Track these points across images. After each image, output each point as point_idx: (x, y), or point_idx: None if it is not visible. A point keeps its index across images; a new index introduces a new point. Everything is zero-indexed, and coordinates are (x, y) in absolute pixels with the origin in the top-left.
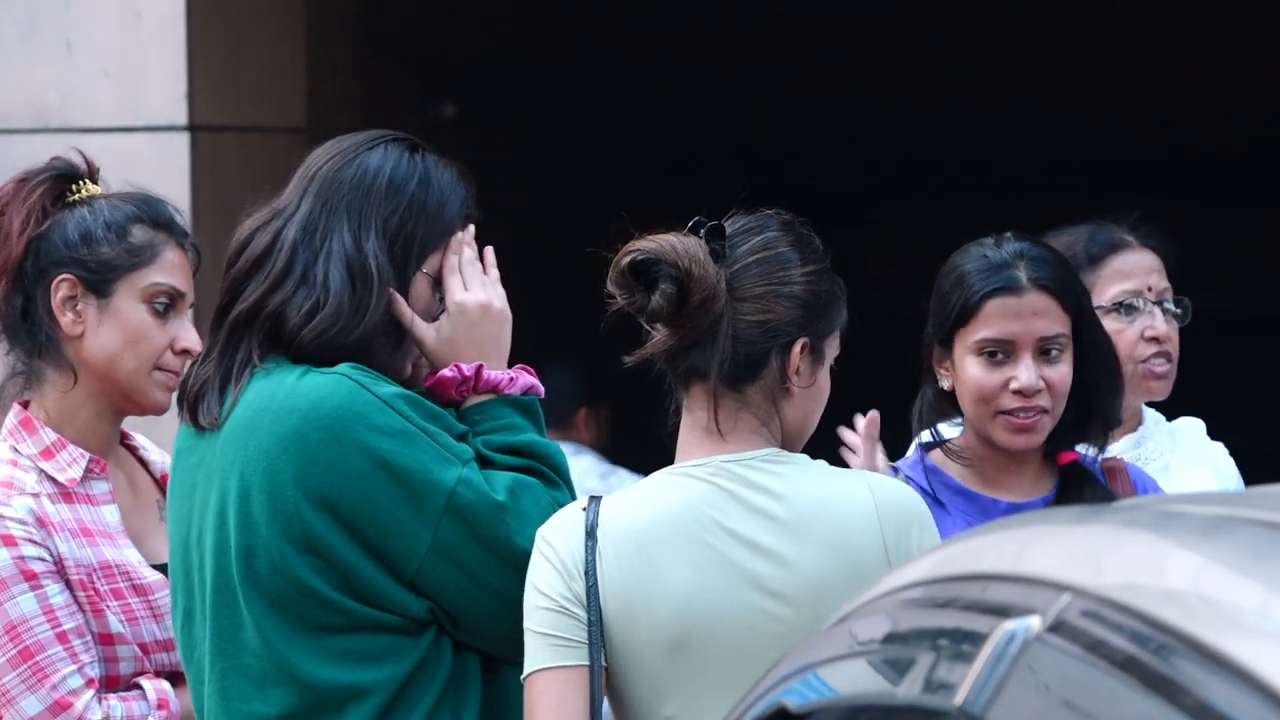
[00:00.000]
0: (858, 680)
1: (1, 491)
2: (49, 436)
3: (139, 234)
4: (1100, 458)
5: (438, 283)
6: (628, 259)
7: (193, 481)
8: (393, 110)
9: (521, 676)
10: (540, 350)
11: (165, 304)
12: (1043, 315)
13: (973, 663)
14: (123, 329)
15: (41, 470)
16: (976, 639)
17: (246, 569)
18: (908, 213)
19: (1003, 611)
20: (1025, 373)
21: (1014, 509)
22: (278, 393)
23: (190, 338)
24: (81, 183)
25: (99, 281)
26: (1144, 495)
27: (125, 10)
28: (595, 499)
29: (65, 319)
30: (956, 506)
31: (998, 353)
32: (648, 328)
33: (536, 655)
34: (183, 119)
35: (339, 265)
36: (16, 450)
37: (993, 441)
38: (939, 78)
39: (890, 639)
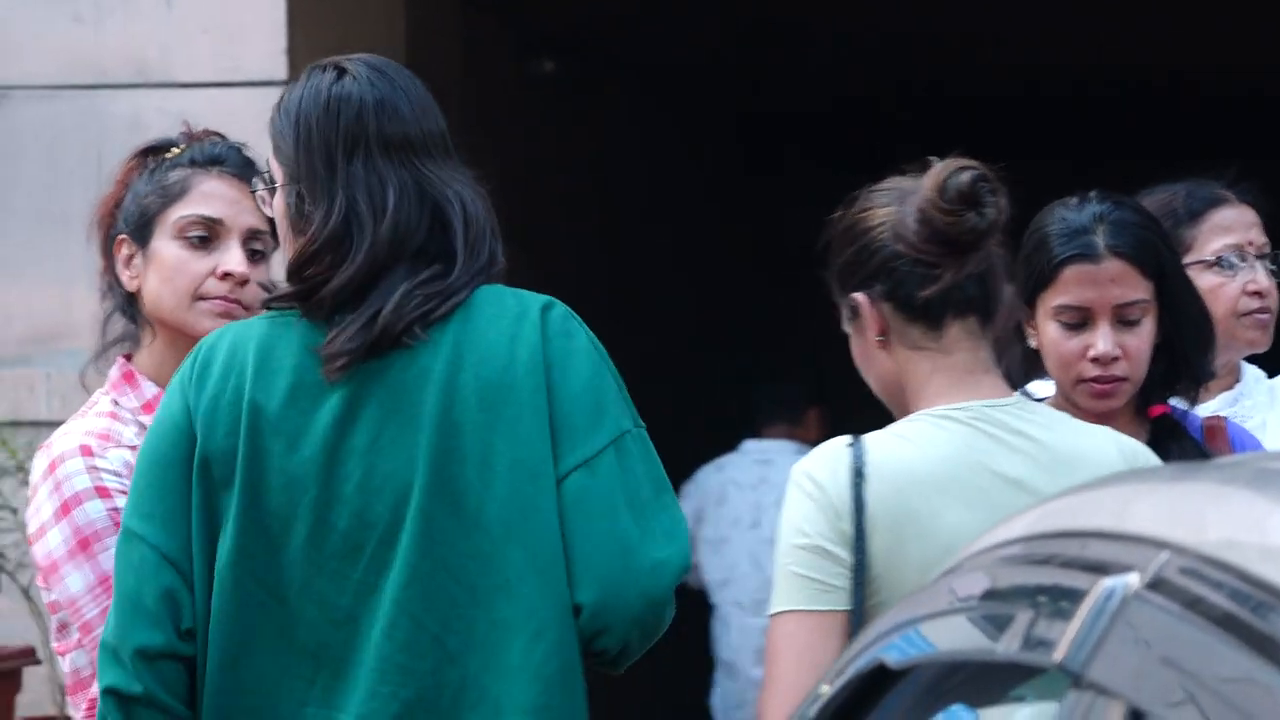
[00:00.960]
0: (956, 637)
1: (98, 444)
2: (150, 390)
3: (174, 175)
4: (1203, 417)
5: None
6: (969, 175)
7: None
8: (489, 68)
9: (771, 611)
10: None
11: (201, 235)
12: (1120, 282)
13: (1072, 619)
14: (159, 268)
15: (141, 424)
16: (1076, 596)
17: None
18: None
19: (1102, 569)
20: (1102, 341)
21: None
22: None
23: (229, 260)
24: (173, 149)
25: (141, 230)
26: (1243, 452)
27: None
28: (857, 438)
29: (125, 276)
30: None
31: (1076, 319)
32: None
33: (791, 596)
34: (282, 74)
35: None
36: (117, 404)
37: (1076, 404)
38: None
39: (989, 596)
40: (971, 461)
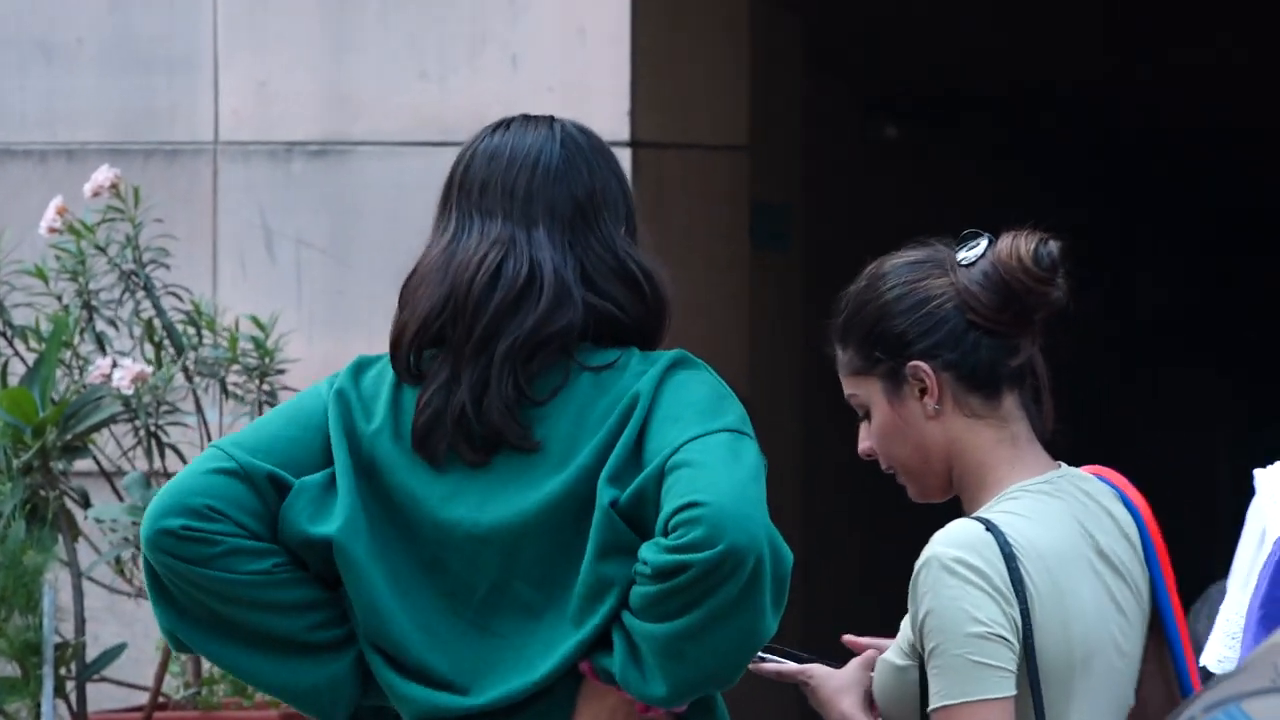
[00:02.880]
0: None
1: None
2: None
3: None
4: None
5: None
6: (1056, 246)
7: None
8: (831, 130)
9: (949, 701)
10: None
11: None
12: None
13: None
14: None
15: None
16: None
17: None
18: None
19: None
20: None
21: None
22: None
23: None
24: None
25: None
26: None
27: (570, 27)
28: (983, 519)
29: None
30: None
31: None
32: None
33: (982, 685)
34: (625, 135)
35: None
36: None
37: None
38: None
39: None
40: (1079, 534)
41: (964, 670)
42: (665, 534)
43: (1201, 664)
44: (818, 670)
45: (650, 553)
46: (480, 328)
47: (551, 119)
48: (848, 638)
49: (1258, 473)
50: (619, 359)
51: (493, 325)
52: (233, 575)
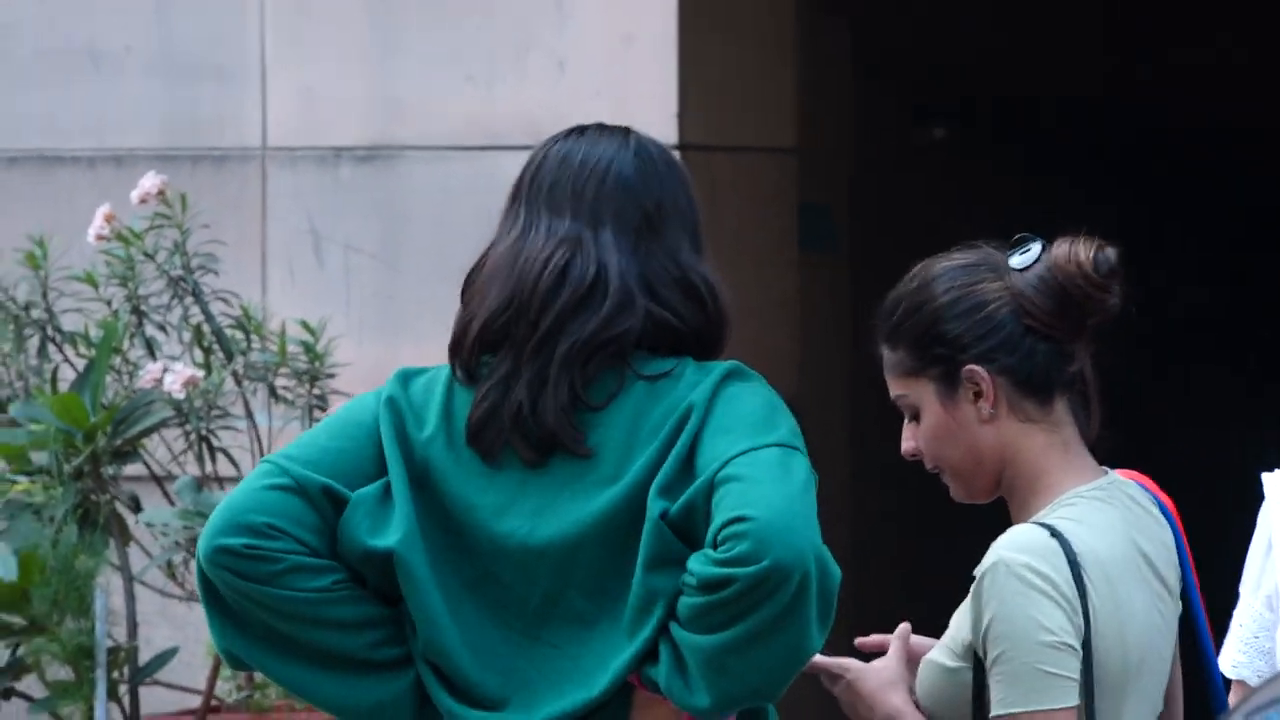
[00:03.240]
0: None
1: None
2: None
3: None
4: None
5: None
6: (1114, 252)
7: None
8: (878, 133)
9: (1017, 709)
10: None
11: None
12: None
13: None
14: None
15: None
16: None
17: None
18: None
19: None
20: None
21: None
22: None
23: None
24: None
25: None
26: None
27: (617, 32)
28: (1048, 526)
29: None
30: None
31: None
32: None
33: (1053, 695)
34: (673, 138)
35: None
36: None
37: None
38: None
39: None
40: (1130, 541)
41: (1033, 679)
42: (714, 547)
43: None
44: (855, 664)
45: (697, 564)
46: (545, 326)
47: (627, 130)
48: (859, 640)
49: (1266, 477)
50: (674, 368)
51: (557, 324)
52: (294, 593)
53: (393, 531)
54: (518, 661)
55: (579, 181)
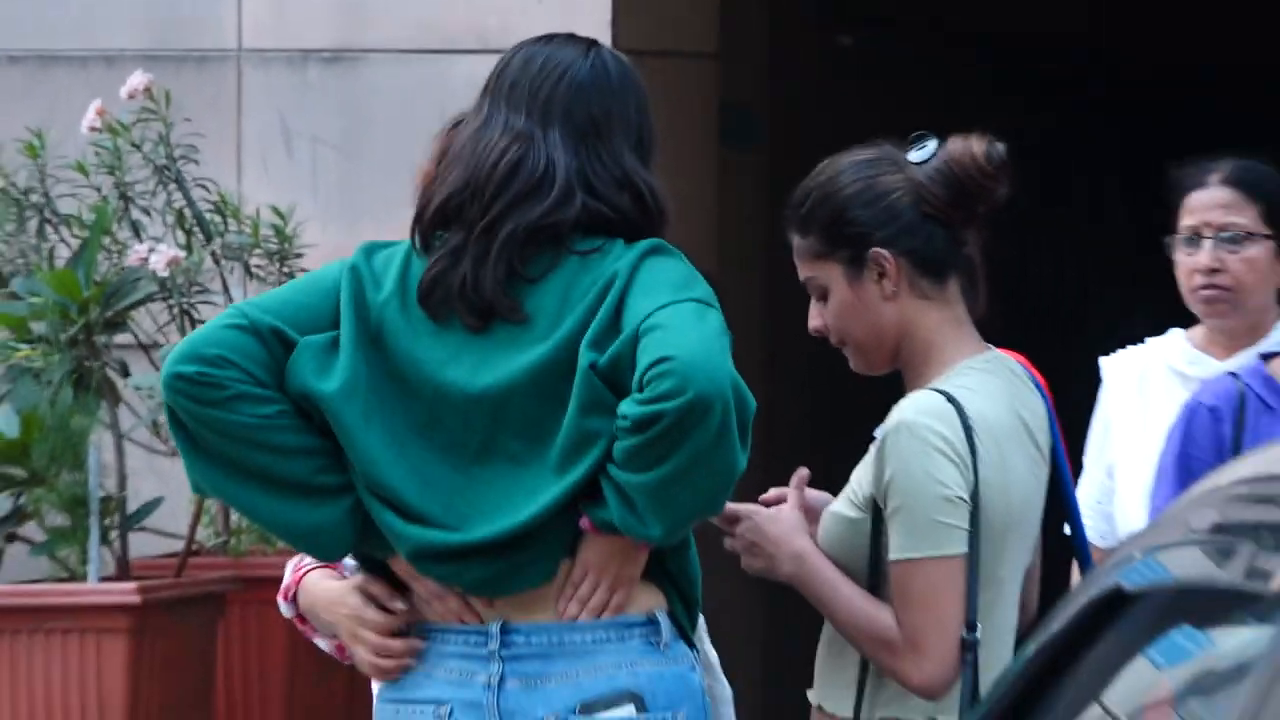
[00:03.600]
0: (1187, 565)
1: None
2: None
3: None
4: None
5: None
6: (1003, 146)
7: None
8: (793, 37)
9: (913, 554)
10: None
11: None
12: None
13: None
14: None
15: None
16: None
17: None
18: None
19: None
20: (1203, 256)
21: None
22: None
23: None
24: None
25: None
26: None
27: None
28: (944, 392)
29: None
30: None
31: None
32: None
33: (942, 542)
34: (607, 43)
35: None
36: None
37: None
38: None
39: (1217, 529)
40: (1012, 409)
41: (928, 528)
42: (640, 389)
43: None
44: (758, 509)
45: (628, 407)
46: (495, 211)
47: (593, 42)
48: (763, 496)
49: (1103, 361)
50: (604, 245)
51: (505, 210)
52: (239, 417)
53: (334, 379)
54: (457, 495)
55: (535, 83)
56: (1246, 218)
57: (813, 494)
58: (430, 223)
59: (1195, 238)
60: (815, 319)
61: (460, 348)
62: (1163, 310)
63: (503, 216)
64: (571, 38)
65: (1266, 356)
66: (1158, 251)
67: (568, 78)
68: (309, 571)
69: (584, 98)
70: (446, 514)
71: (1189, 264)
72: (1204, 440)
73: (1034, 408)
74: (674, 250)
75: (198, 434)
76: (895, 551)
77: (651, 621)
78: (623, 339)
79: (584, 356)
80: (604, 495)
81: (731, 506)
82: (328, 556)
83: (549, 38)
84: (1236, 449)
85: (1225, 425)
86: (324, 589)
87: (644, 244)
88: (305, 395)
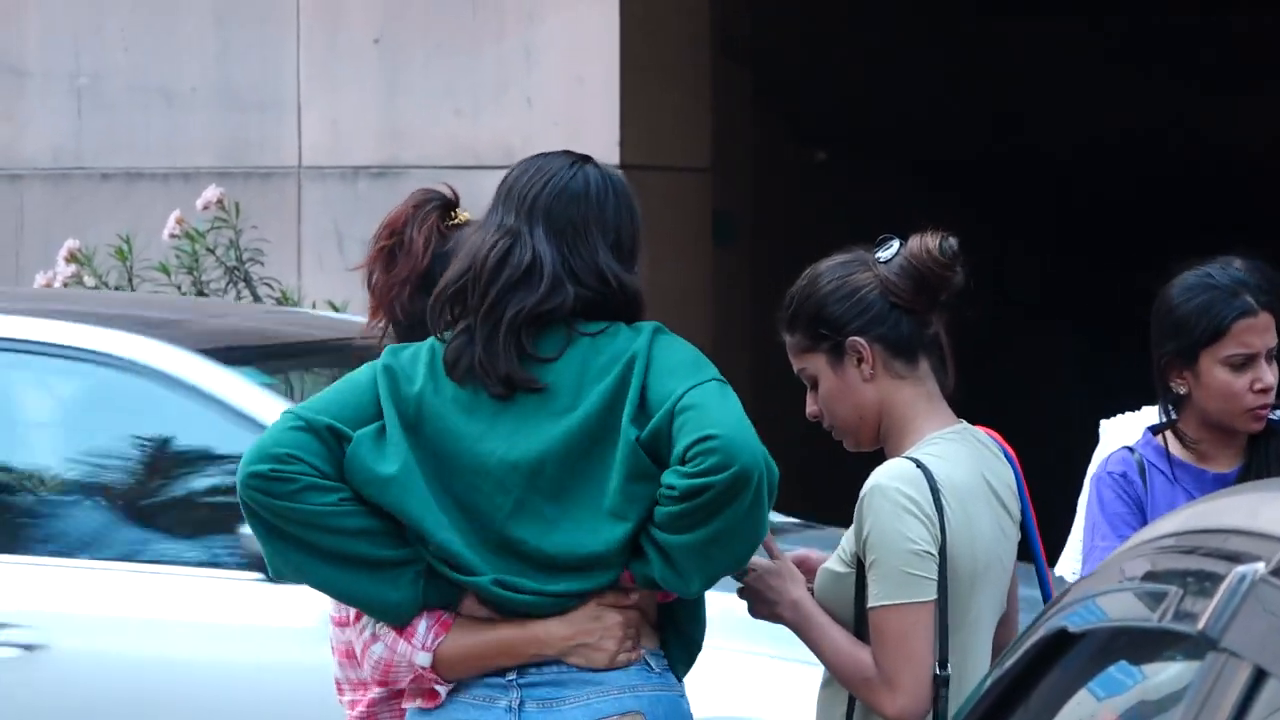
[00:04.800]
0: (1123, 608)
1: None
2: None
3: None
4: None
5: None
6: (955, 241)
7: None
8: (775, 154)
9: (887, 602)
10: None
11: None
12: (1269, 330)
13: (1212, 597)
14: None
15: None
16: (1215, 579)
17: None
18: None
19: (1236, 558)
20: (1268, 375)
21: (1219, 478)
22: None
23: None
24: (456, 210)
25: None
26: None
27: (572, 75)
28: (913, 459)
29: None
30: (1178, 477)
31: (1242, 361)
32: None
33: (912, 591)
34: (615, 159)
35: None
36: None
37: (1233, 429)
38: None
39: (1149, 577)
40: (979, 473)
41: (899, 578)
42: (683, 463)
43: (1057, 573)
44: (764, 562)
45: (674, 478)
46: (491, 296)
47: (585, 158)
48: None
49: (1104, 423)
50: (609, 328)
51: (500, 296)
52: (309, 506)
53: (391, 462)
54: (498, 552)
55: (525, 188)
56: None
57: (815, 553)
58: (439, 308)
59: (1250, 359)
60: (811, 406)
61: (493, 421)
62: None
63: (500, 301)
64: (566, 153)
65: (1155, 430)
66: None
67: (552, 184)
68: (456, 618)
69: (564, 200)
70: (496, 570)
71: (1241, 384)
72: (1123, 498)
73: (1000, 474)
74: (673, 333)
75: (274, 525)
76: (872, 600)
77: (647, 658)
78: (659, 416)
79: (628, 431)
80: (645, 553)
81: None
82: (400, 622)
83: (547, 153)
84: (1143, 511)
85: (1136, 488)
86: (528, 632)
87: (650, 325)
88: (370, 480)
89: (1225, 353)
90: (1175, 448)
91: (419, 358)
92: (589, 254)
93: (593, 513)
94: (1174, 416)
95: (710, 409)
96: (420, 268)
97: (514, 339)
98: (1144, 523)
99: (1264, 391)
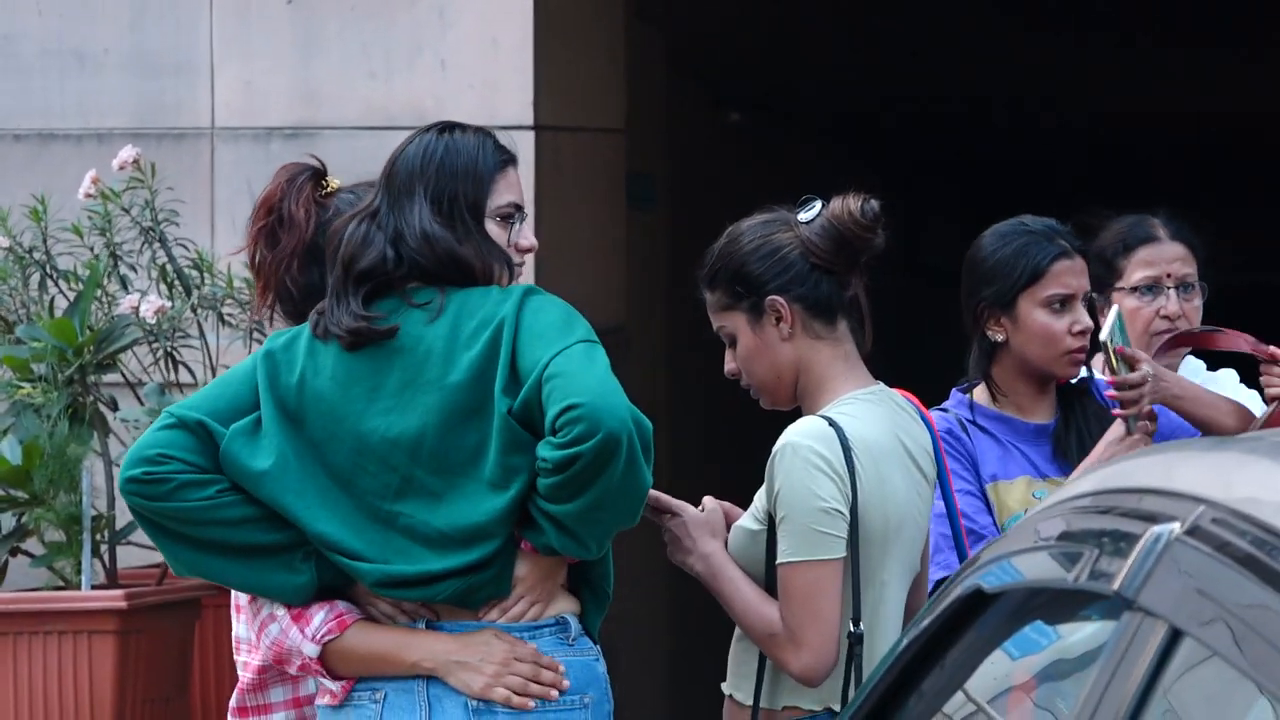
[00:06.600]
0: (1038, 568)
1: None
2: None
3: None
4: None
5: (504, 219)
6: (876, 203)
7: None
8: (688, 116)
9: (794, 558)
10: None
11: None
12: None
13: (1127, 557)
14: None
15: None
16: (1131, 539)
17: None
18: None
19: (1151, 518)
20: (1085, 317)
21: (1040, 428)
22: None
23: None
24: (326, 179)
25: None
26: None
27: (486, 37)
28: (826, 417)
29: None
30: (995, 429)
31: (1061, 304)
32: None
33: (819, 548)
34: (529, 120)
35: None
36: None
37: (1051, 374)
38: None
39: (1065, 537)
40: (894, 433)
41: (808, 535)
42: (554, 433)
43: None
44: (688, 509)
45: (546, 450)
46: (338, 266)
47: (446, 127)
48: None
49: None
50: (474, 292)
51: (346, 265)
52: (186, 504)
53: (265, 456)
54: (385, 532)
55: (387, 165)
56: (1193, 269)
57: (732, 507)
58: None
59: (1155, 287)
60: (729, 364)
61: (371, 394)
62: None
63: (346, 268)
64: (437, 125)
65: (964, 389)
66: None
67: (400, 155)
68: (355, 621)
69: (401, 167)
70: (383, 551)
71: (1060, 326)
72: (955, 455)
73: (917, 436)
74: (544, 292)
75: (159, 524)
76: (780, 556)
77: (560, 622)
78: (528, 386)
79: (500, 403)
80: (538, 524)
81: (665, 500)
82: (299, 601)
83: (424, 128)
84: (975, 465)
85: (965, 444)
86: (416, 643)
87: (519, 289)
88: (243, 475)
89: (1045, 293)
90: (987, 402)
91: (299, 339)
92: (412, 217)
93: (476, 483)
94: (988, 369)
95: (574, 376)
96: (306, 238)
97: (348, 303)
98: (976, 476)
99: (1082, 334)
